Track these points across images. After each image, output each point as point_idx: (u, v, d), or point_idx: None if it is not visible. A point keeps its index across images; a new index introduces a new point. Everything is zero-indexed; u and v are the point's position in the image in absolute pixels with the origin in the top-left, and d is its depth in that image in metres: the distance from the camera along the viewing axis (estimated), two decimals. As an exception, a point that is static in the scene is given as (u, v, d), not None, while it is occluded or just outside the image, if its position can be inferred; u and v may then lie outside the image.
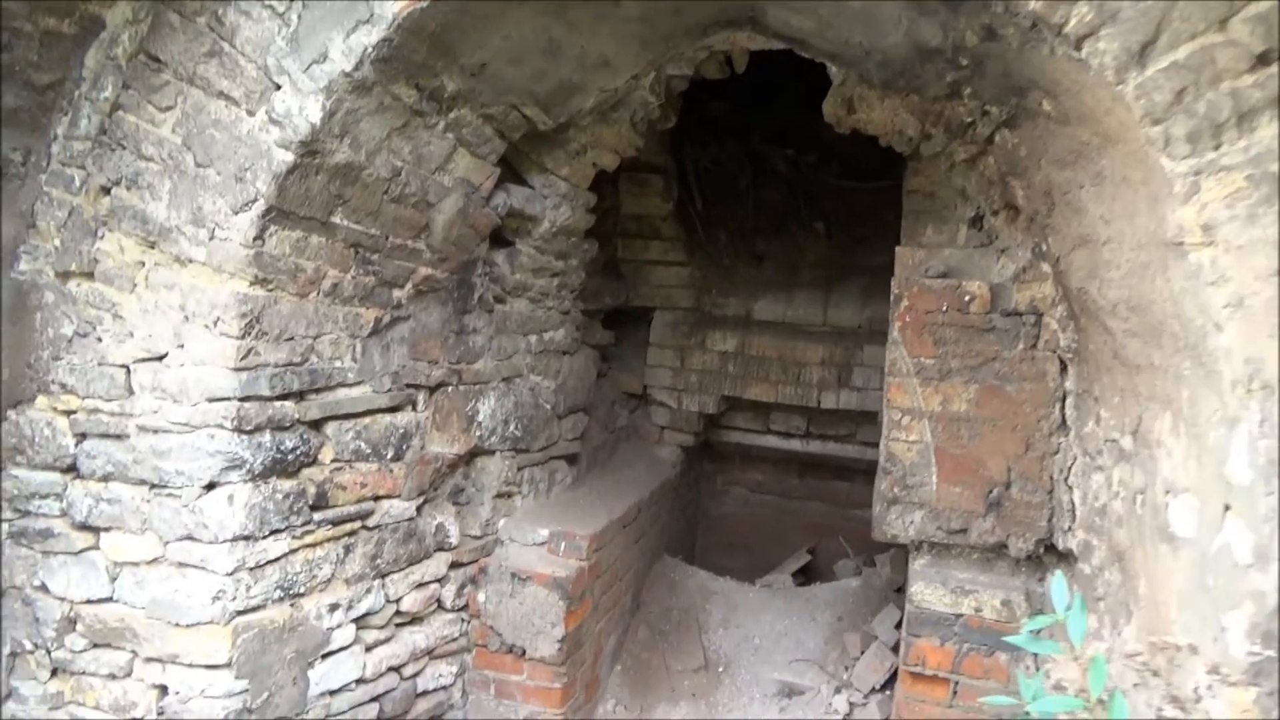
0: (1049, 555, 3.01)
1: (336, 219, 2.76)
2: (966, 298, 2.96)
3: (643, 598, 4.40)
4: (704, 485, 5.56)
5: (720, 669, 4.11)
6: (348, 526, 3.03)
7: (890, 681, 3.85)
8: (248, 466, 2.64)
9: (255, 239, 2.57)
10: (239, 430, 2.62)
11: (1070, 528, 2.82)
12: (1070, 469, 2.84)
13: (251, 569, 2.70)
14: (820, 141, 5.44)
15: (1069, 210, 2.53)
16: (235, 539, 2.65)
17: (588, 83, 3.09)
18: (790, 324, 4.79)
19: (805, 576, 5.19)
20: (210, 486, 2.62)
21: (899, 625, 4.07)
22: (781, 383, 4.68)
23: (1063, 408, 2.90)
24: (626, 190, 4.70)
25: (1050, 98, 2.33)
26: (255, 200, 2.54)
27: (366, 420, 3.07)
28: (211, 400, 2.59)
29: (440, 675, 3.53)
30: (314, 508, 2.88)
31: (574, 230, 3.78)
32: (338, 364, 2.94)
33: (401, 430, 3.20)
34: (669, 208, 4.76)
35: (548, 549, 3.64)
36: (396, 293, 3.12)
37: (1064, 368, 2.89)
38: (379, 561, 3.16)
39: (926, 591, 3.04)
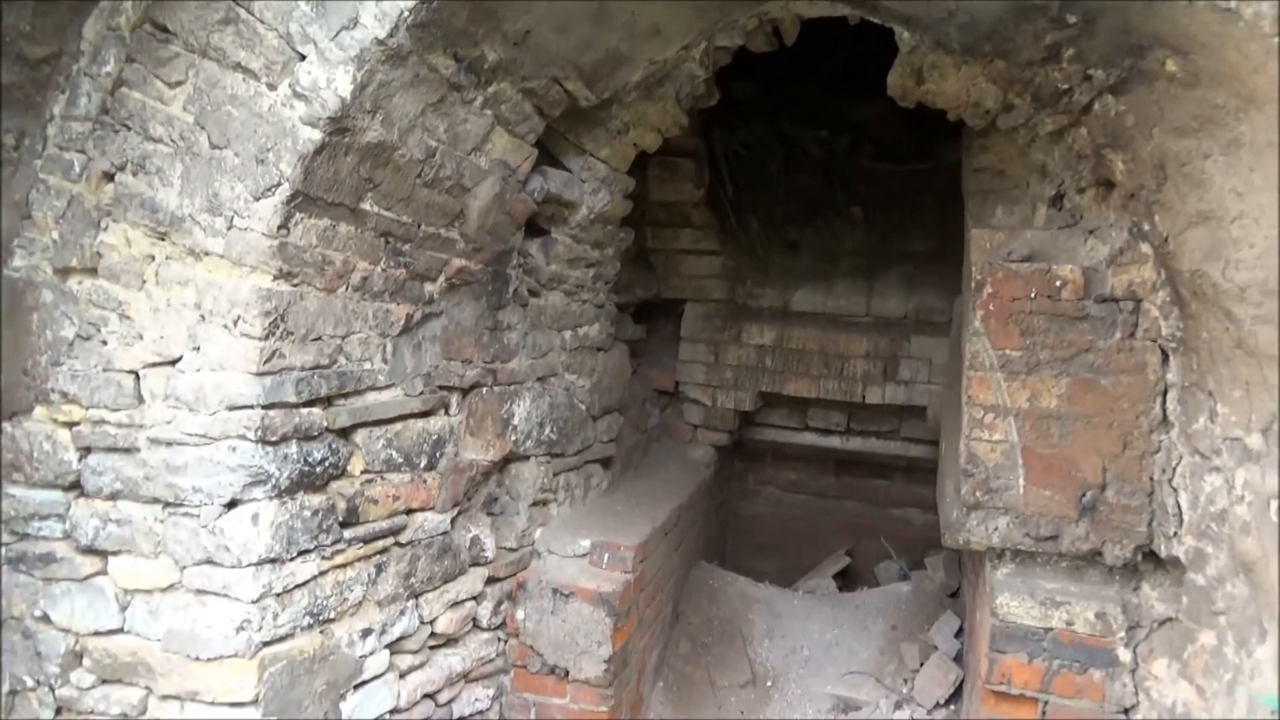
0: (1145, 563, 2.76)
1: (366, 205, 2.49)
2: (1057, 283, 2.71)
3: (682, 608, 4.14)
4: (734, 485, 5.31)
5: (769, 683, 3.86)
6: (380, 544, 2.76)
7: (955, 695, 3.61)
8: (273, 481, 2.37)
9: (279, 228, 2.30)
10: (263, 441, 2.35)
11: (1176, 534, 2.58)
12: (1175, 469, 2.59)
13: (279, 595, 2.43)
14: (850, 124, 5.20)
15: (1186, 184, 2.27)
16: (261, 562, 2.38)
17: (636, 53, 2.82)
18: (831, 315, 4.54)
19: (844, 580, 4.96)
20: (231, 505, 2.35)
21: (959, 634, 3.83)
22: (823, 377, 4.43)
23: (1164, 403, 2.65)
24: (656, 176, 4.43)
25: (1178, 56, 2.08)
26: (279, 184, 2.27)
27: (398, 426, 2.80)
28: (232, 408, 2.32)
29: (477, 700, 3.27)
30: (344, 524, 2.61)
31: (611, 217, 3.51)
32: (367, 365, 2.67)
33: (435, 436, 2.93)
34: (700, 194, 4.49)
35: (590, 561, 3.39)
36: (428, 287, 2.85)
37: (1165, 359, 2.64)
38: (413, 580, 2.90)
39: (1013, 604, 2.79)
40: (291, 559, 2.45)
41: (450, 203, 2.75)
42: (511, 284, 3.20)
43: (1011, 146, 3.16)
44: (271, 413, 2.36)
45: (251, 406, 2.33)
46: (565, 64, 2.70)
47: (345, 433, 2.63)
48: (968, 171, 3.28)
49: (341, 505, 2.60)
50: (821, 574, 4.91)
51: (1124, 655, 2.72)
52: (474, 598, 3.21)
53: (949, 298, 4.36)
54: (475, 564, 3.20)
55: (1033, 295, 2.72)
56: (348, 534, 2.63)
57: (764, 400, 4.67)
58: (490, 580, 3.27)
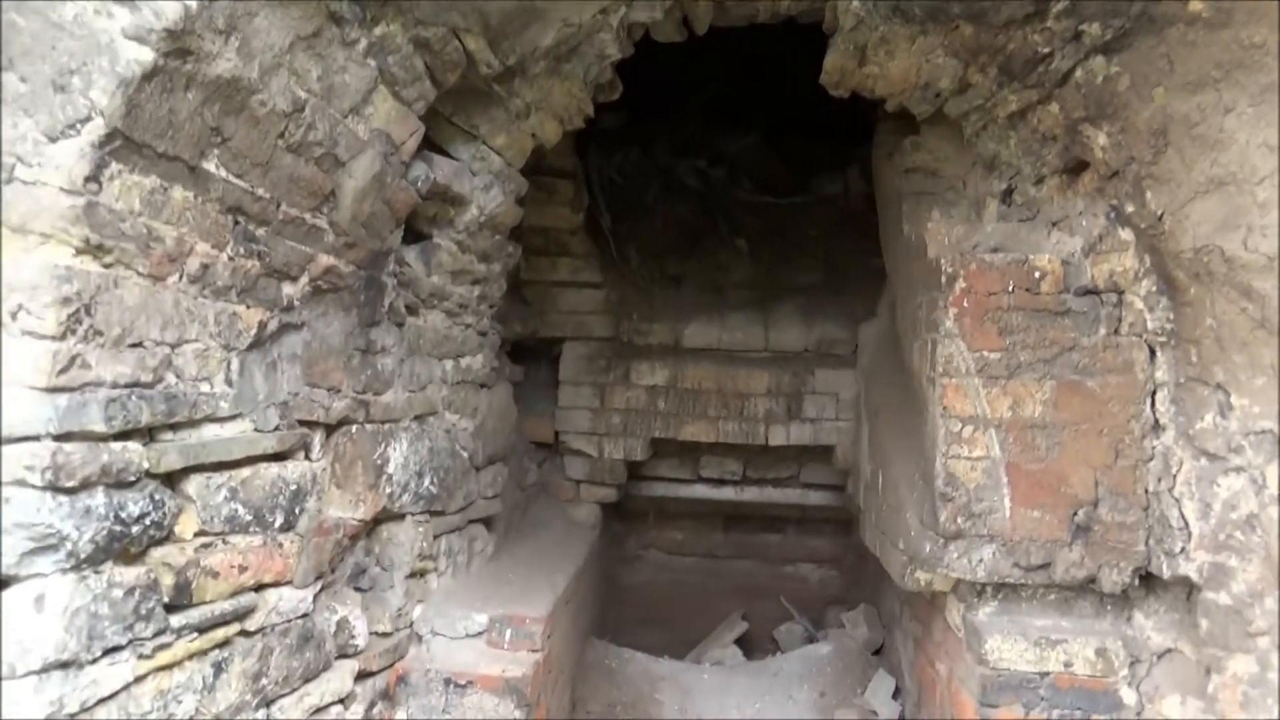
0: (1136, 589, 2.46)
1: (211, 166, 1.84)
2: (1036, 274, 2.42)
3: (579, 693, 3.51)
4: (613, 550, 4.74)
5: (691, 774, 3.28)
6: (220, 633, 2.02)
7: (907, 765, 3.18)
8: (69, 547, 1.62)
9: (86, 181, 1.61)
10: (54, 488, 1.61)
11: (1184, 549, 2.29)
12: (1176, 477, 2.32)
13: (75, 716, 1.65)
14: (724, 156, 4.95)
15: (1196, 148, 2.04)
16: (47, 668, 1.60)
17: (550, 11, 2.35)
18: (726, 350, 4.15)
19: (743, 647, 4.47)
20: (5, 583, 1.58)
21: (896, 694, 3.42)
22: (722, 418, 4.01)
23: (1153, 404, 2.39)
24: (531, 198, 3.93)
25: (1209, -10, 1.85)
26: (87, 119, 1.60)
27: (246, 472, 2.09)
28: (9, 440, 1.57)
29: (346, 837, 2.50)
30: (171, 608, 1.87)
31: (501, 224, 2.97)
32: (205, 388, 1.97)
33: (293, 487, 2.24)
34: (579, 220, 4.04)
35: (488, 641, 2.73)
36: (288, 289, 2.19)
37: (1153, 355, 2.39)
38: (264, 683, 2.15)
39: (1004, 647, 2.41)
40: (94, 660, 1.69)
41: (320, 178, 2.13)
42: (387, 296, 2.58)
43: (948, 143, 2.93)
44: (68, 446, 1.63)
45: (38, 437, 1.59)
46: (469, 12, 2.19)
47: (174, 478, 1.90)
48: (901, 172, 3.01)
49: (168, 581, 1.86)
50: (719, 642, 4.41)
51: (1129, 696, 2.39)
52: (341, 700, 2.47)
53: (851, 328, 4.10)
54: (343, 655, 2.48)
55: (1010, 289, 2.43)
56: (176, 621, 1.88)
57: (655, 448, 4.18)
58: (361, 675, 2.55)
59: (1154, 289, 2.35)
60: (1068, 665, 2.40)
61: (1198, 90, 1.98)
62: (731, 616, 4.57)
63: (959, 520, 2.45)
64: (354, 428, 2.49)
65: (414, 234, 2.78)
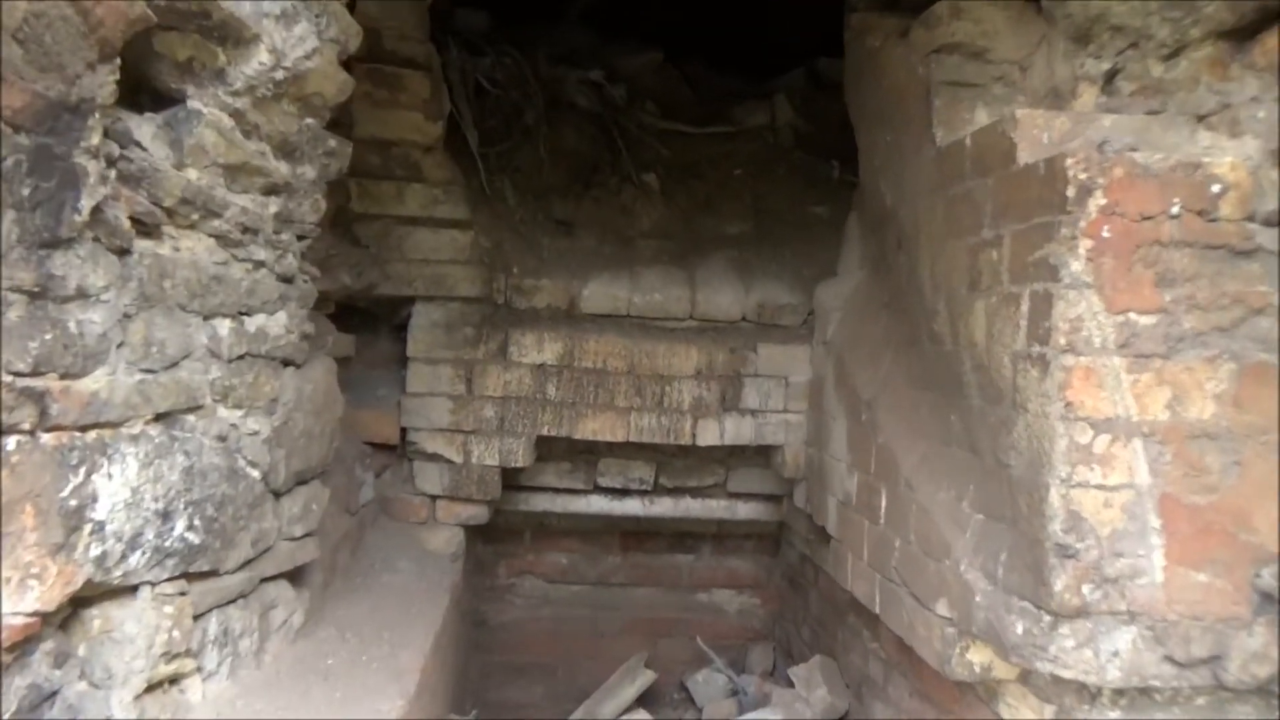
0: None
1: None
2: (1214, 189, 1.49)
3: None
4: (478, 579, 3.63)
5: None
6: None
7: None
8: None
9: None
10: None
11: None
12: None
13: None
14: (619, 76, 3.89)
15: None
16: None
17: None
18: (640, 317, 3.09)
19: (647, 703, 3.47)
20: None
21: (881, 790, 2.49)
22: (635, 409, 2.96)
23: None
24: (366, 96, 2.75)
25: None
26: None
27: None
28: None
29: None
30: None
31: (314, 94, 1.80)
32: None
33: None
34: (437, 131, 2.88)
35: (286, 803, 1.58)
36: None
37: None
38: None
39: (1150, 789, 1.49)
40: None
41: None
42: (87, 193, 1.36)
43: (1000, 10, 1.99)
44: None
45: None
46: None
47: None
48: (928, 53, 2.04)
49: None
50: (616, 697, 3.39)
51: None
52: None
53: (800, 291, 3.14)
54: None
55: (1174, 211, 1.49)
56: None
57: (541, 448, 3.09)
58: None
59: (1393, 216, 1.47)
60: (1239, 810, 1.51)
61: None
62: (632, 662, 3.55)
63: (1084, 588, 1.51)
64: (19, 441, 1.28)
65: (154, 94, 1.58)
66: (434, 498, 2.99)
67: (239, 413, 1.84)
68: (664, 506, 3.34)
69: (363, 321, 2.98)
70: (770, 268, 3.20)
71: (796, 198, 3.58)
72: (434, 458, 2.95)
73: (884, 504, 2.24)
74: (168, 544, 1.62)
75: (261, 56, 1.60)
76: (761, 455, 3.18)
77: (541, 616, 3.69)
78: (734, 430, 3.00)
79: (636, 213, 3.37)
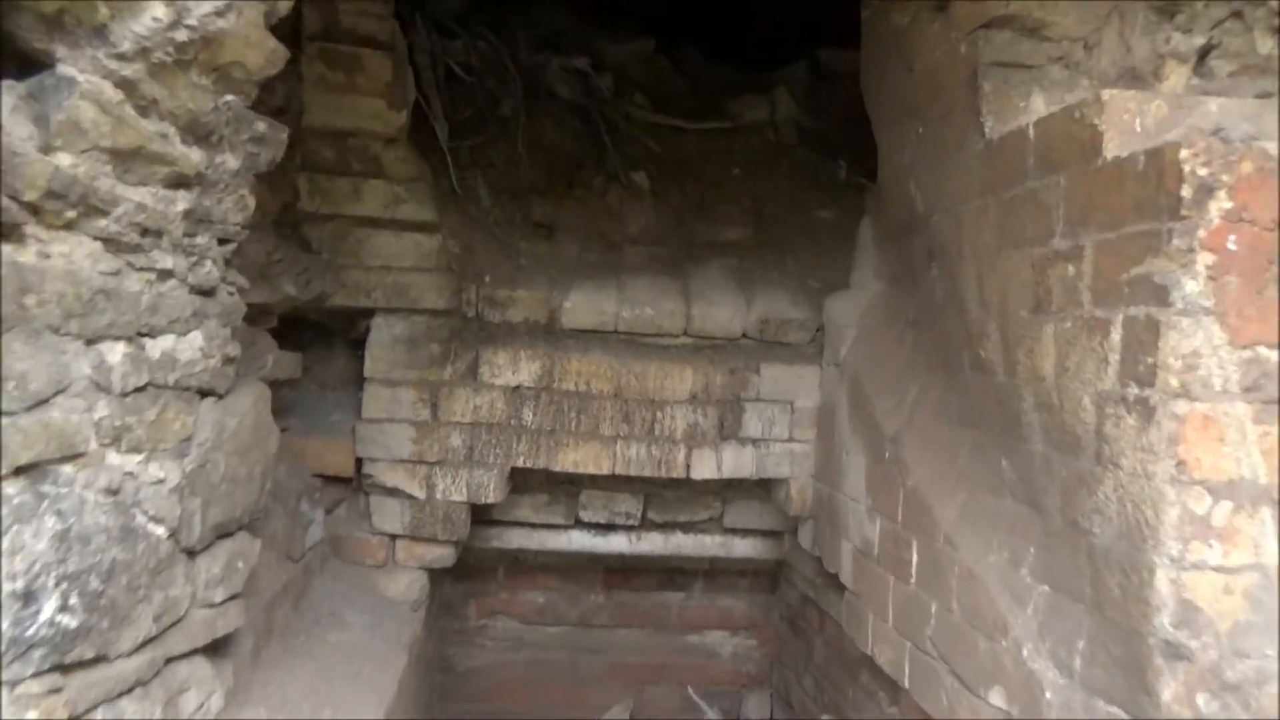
0: None
1: None
2: (1365, 191, 1.19)
3: None
4: (446, 621, 3.28)
5: None
6: None
7: None
8: None
9: None
10: None
11: None
12: None
13: None
14: (606, 65, 3.57)
15: None
16: None
17: None
18: (628, 333, 2.76)
19: (632, 758, 3.14)
20: None
21: None
22: (623, 437, 2.63)
23: None
24: (319, 78, 2.42)
25: None
26: None
27: None
28: None
29: None
30: None
31: (232, 63, 1.46)
32: None
33: None
34: (400, 121, 2.54)
35: None
36: None
37: None
38: None
39: None
40: None
41: None
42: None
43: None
44: None
45: None
46: None
47: None
48: (975, 30, 1.74)
49: None
50: (597, 755, 3.06)
51: None
52: None
53: (809, 305, 2.82)
54: None
55: (1315, 219, 1.18)
56: None
57: (515, 480, 2.75)
58: None
59: None
60: None
61: None
62: (615, 711, 3.22)
63: (1199, 698, 1.19)
64: None
65: (17, 57, 1.23)
66: (393, 537, 2.64)
67: (137, 458, 1.49)
68: (652, 543, 3.01)
69: (315, 336, 2.64)
70: (773, 277, 2.89)
71: (800, 200, 3.28)
72: (393, 492, 2.60)
73: (915, 560, 1.91)
74: (30, 633, 1.27)
75: (156, 10, 1.25)
76: (761, 487, 2.86)
77: (515, 661, 3.35)
78: (733, 462, 2.67)
79: (624, 215, 3.05)
